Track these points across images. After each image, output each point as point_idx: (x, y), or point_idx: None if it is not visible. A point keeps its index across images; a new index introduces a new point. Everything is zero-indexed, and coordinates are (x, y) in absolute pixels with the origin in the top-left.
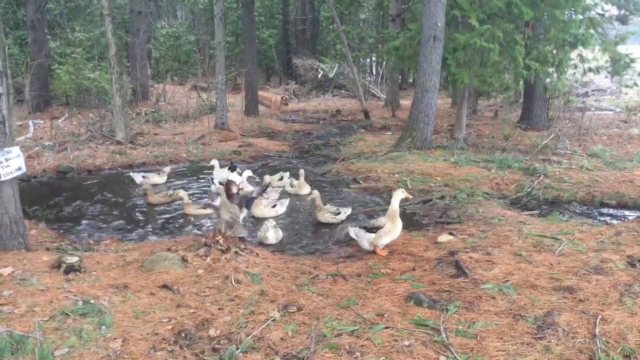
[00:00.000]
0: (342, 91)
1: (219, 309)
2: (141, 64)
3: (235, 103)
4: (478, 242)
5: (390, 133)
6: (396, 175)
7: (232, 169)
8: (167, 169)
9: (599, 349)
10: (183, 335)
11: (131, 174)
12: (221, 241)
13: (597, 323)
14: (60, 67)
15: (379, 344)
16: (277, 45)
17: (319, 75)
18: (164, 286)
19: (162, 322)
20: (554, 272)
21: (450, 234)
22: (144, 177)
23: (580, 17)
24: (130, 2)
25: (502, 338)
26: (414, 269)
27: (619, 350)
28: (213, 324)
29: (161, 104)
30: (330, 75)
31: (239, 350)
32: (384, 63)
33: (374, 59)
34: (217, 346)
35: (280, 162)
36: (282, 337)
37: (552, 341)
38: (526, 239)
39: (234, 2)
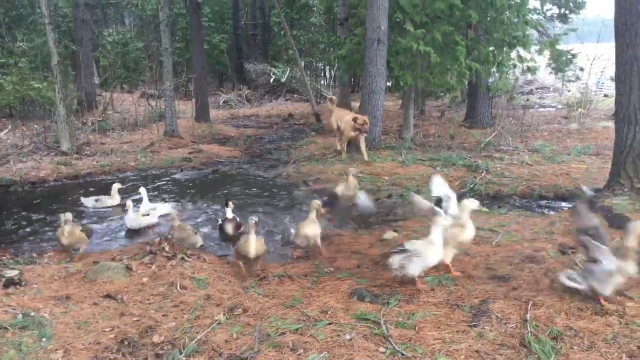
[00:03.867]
0: (295, 95)
1: (163, 315)
2: (87, 72)
3: (186, 110)
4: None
5: None
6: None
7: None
8: (116, 187)
9: (529, 333)
10: (126, 343)
11: (82, 199)
12: (167, 248)
13: (529, 308)
14: (4, 77)
15: (321, 340)
16: (229, 50)
17: (272, 80)
18: (108, 296)
19: (105, 331)
20: (490, 262)
21: (395, 230)
22: (96, 200)
23: (522, 19)
24: (74, 10)
25: (439, 327)
26: (358, 266)
27: (547, 333)
28: (157, 331)
29: (109, 112)
30: (283, 80)
31: (182, 354)
32: (335, 67)
33: (326, 63)
34: (160, 352)
35: (231, 167)
36: (227, 340)
37: (485, 328)
38: None
39: (183, 7)
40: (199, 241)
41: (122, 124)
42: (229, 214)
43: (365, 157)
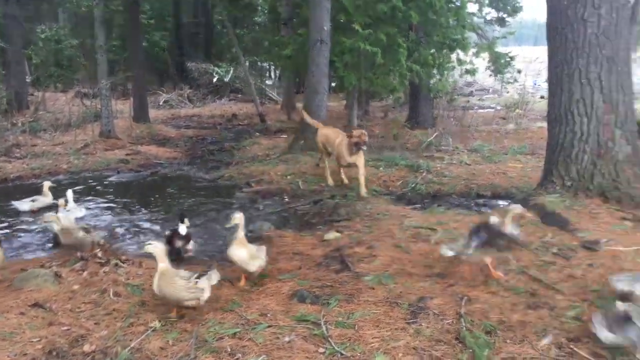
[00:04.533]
0: (239, 95)
1: (95, 323)
2: (17, 70)
3: (124, 109)
4: (363, 237)
5: (285, 136)
6: (289, 177)
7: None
8: (47, 184)
9: (464, 328)
10: (55, 353)
11: (15, 203)
12: (100, 254)
13: (464, 304)
14: None
15: (260, 343)
16: (170, 48)
17: (215, 80)
18: (35, 304)
19: (32, 341)
20: (428, 260)
21: (338, 231)
22: (33, 201)
23: (460, 22)
24: (4, 6)
25: (378, 325)
26: (300, 268)
27: (481, 327)
28: (88, 340)
29: (40, 112)
30: (226, 80)
31: None
32: (280, 67)
33: (271, 62)
34: None
35: (171, 169)
36: (162, 347)
37: (423, 324)
38: (406, 231)
39: (120, 4)
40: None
41: (54, 125)
42: (183, 229)
43: (363, 191)
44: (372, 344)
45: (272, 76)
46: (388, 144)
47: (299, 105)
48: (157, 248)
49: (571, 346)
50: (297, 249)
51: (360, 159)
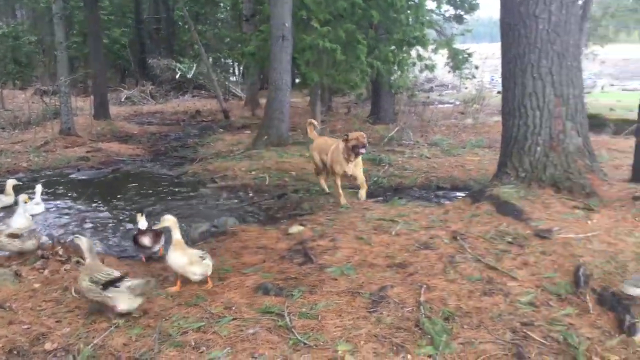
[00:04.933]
0: (203, 92)
1: (56, 321)
2: None
3: (84, 107)
4: (326, 230)
5: (249, 132)
6: (253, 173)
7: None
8: (11, 183)
9: (423, 315)
10: (15, 352)
11: None
12: (61, 251)
13: (423, 292)
14: None
15: (225, 336)
16: (131, 45)
17: (177, 76)
18: None
19: None
20: (389, 250)
21: (301, 224)
22: None
23: (419, 19)
24: None
25: (340, 315)
26: (264, 261)
27: (440, 314)
28: (49, 338)
29: None
30: (189, 76)
31: None
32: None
33: (234, 58)
34: (54, 359)
35: (134, 166)
36: (125, 343)
37: (383, 313)
38: (368, 223)
39: (80, 0)
40: (29, 245)
41: (13, 123)
42: (143, 224)
43: (363, 197)
44: (335, 333)
45: (236, 72)
46: None
47: (264, 101)
48: (83, 242)
49: (525, 330)
50: (261, 243)
51: (358, 169)
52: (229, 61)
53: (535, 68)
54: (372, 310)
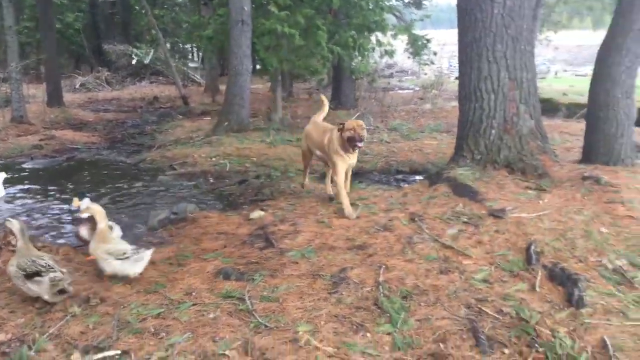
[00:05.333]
0: (160, 78)
1: (10, 312)
2: None
3: (37, 94)
4: (287, 215)
5: (209, 118)
6: (213, 159)
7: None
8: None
9: (382, 294)
10: None
11: None
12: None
13: (382, 272)
14: None
15: (185, 321)
16: (85, 30)
17: (134, 62)
18: None
19: None
20: (349, 233)
21: (262, 210)
22: None
23: (379, 4)
24: None
25: (301, 297)
26: (225, 247)
27: (398, 293)
28: (3, 329)
29: None
30: (146, 62)
31: (32, 350)
32: (202, 48)
33: (193, 43)
34: (7, 350)
35: (90, 154)
36: (82, 331)
37: (344, 293)
38: (329, 207)
39: None
40: None
41: None
42: (83, 206)
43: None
44: (296, 315)
45: (195, 58)
46: None
47: (223, 87)
48: (14, 225)
49: (479, 306)
50: (222, 229)
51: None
52: (188, 46)
53: (490, 52)
54: (332, 291)
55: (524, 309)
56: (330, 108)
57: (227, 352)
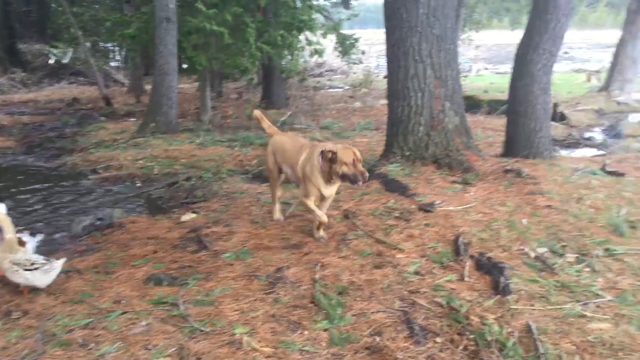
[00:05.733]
0: (80, 78)
1: None
2: None
3: None
4: (220, 217)
5: (134, 119)
6: (140, 162)
7: None
8: None
9: (318, 291)
10: None
11: None
12: None
13: (318, 270)
14: None
15: (115, 331)
16: None
17: (51, 62)
18: None
19: None
20: (284, 233)
21: (194, 212)
22: None
23: (306, 3)
24: None
25: (237, 299)
26: (155, 252)
27: (334, 289)
28: None
29: None
30: (65, 62)
31: None
32: (125, 47)
33: (115, 42)
34: None
35: (4, 160)
36: (4, 346)
37: (280, 293)
38: (263, 207)
39: None
40: None
41: None
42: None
43: (319, 234)
44: (232, 317)
45: (118, 58)
46: (243, 124)
47: (148, 87)
48: None
49: (412, 297)
50: (151, 234)
51: (334, 190)
52: (109, 45)
53: (416, 51)
54: (269, 291)
55: (455, 299)
56: (261, 107)
57: None
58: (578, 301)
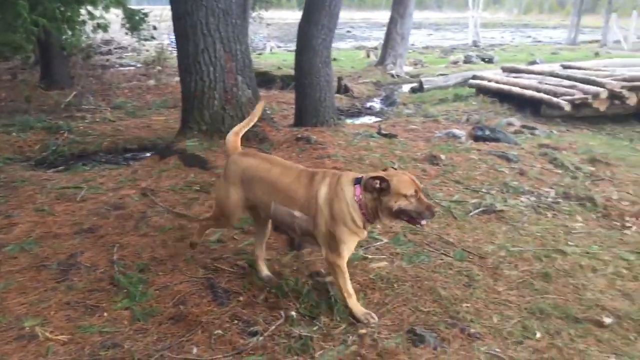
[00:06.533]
0: None
1: None
2: None
3: None
4: None
5: None
6: None
7: None
8: None
9: (117, 272)
10: None
11: None
12: None
13: (115, 251)
14: None
15: None
16: None
17: None
18: None
19: None
20: (75, 218)
21: None
22: None
23: None
24: None
25: (24, 292)
26: None
27: (135, 268)
28: None
29: None
30: None
31: None
32: None
33: None
34: None
35: None
36: None
37: (74, 279)
38: (49, 194)
39: None
40: None
41: None
42: None
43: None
44: (20, 311)
45: None
46: (20, 107)
47: None
48: None
49: (215, 264)
50: None
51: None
52: None
53: (204, 25)
54: (61, 279)
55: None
56: (40, 88)
57: None
58: (361, 246)
